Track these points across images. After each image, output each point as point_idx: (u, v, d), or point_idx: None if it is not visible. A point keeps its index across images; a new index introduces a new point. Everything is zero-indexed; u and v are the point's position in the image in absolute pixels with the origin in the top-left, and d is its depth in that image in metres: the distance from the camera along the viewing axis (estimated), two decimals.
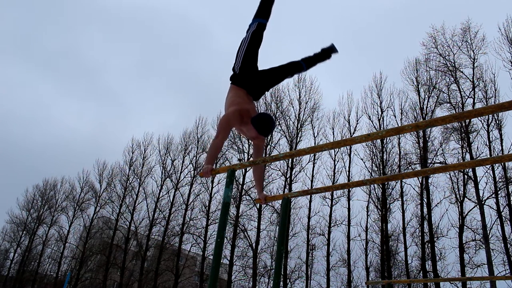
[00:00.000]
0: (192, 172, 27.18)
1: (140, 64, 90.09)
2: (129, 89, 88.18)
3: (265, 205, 21.66)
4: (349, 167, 22.39)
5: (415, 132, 20.49)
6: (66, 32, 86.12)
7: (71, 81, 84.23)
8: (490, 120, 19.16)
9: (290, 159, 22.97)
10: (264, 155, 4.27)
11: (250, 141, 24.25)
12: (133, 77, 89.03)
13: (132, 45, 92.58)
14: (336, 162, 22.79)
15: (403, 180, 20.63)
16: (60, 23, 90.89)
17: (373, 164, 21.86)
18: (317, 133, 23.83)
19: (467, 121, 19.09)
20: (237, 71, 3.82)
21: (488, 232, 17.81)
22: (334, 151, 22.88)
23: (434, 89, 21.58)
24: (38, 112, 79.82)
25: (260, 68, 3.88)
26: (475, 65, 20.23)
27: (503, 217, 17.77)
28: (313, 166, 23.11)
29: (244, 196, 23.93)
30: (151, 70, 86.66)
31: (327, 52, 3.99)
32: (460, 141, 19.91)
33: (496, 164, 18.30)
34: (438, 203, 19.85)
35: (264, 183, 22.91)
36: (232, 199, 9.75)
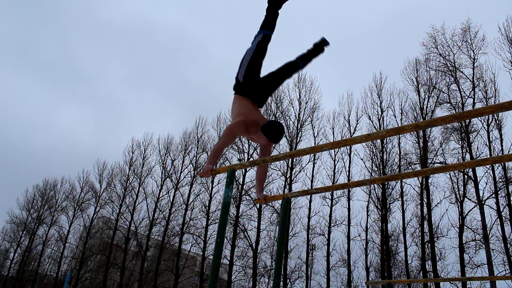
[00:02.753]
0: (192, 172, 27.19)
1: (136, 73, 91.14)
2: (127, 96, 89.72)
3: (265, 205, 21.66)
4: (349, 167, 22.41)
5: (415, 132, 20.49)
6: (63, 41, 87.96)
7: (70, 88, 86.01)
8: (490, 120, 19.15)
9: (290, 159, 22.97)
10: None
11: (250, 142, 24.28)
12: (130, 85, 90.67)
13: (128, 55, 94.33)
14: (336, 162, 22.80)
15: (403, 180, 20.63)
16: (56, 33, 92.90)
17: (373, 164, 21.87)
18: (317, 133, 23.86)
19: (467, 121, 19.09)
20: (241, 80, 3.86)
21: (488, 232, 17.80)
22: (334, 151, 22.88)
23: (434, 89, 21.59)
24: (40, 117, 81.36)
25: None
26: (475, 65, 20.24)
27: (503, 217, 17.76)
28: (313, 166, 23.13)
29: (244, 196, 23.93)
30: (146, 79, 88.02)
31: (319, 46, 4.06)
32: (460, 141, 19.91)
33: (496, 164, 18.30)
34: (438, 203, 19.87)
35: (264, 183, 22.91)
36: (232, 199, 9.74)
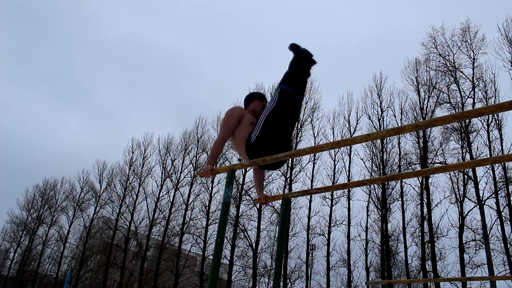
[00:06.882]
0: (192, 172, 27.18)
1: (132, 86, 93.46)
2: (124, 107, 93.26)
3: (265, 205, 21.62)
4: (349, 167, 22.40)
5: (415, 132, 20.48)
6: (63, 56, 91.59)
7: (70, 98, 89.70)
8: (490, 120, 19.16)
9: (290, 159, 22.97)
10: None
11: None
12: (127, 97, 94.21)
13: (124, 69, 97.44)
14: (336, 162, 22.79)
15: (403, 180, 20.63)
16: (56, 48, 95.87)
17: (373, 164, 21.86)
18: (317, 133, 23.86)
19: (467, 121, 19.08)
20: (252, 140, 3.21)
21: (488, 232, 17.80)
22: (334, 151, 22.88)
23: (434, 89, 21.59)
24: (42, 126, 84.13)
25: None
26: (475, 65, 20.25)
27: (503, 217, 17.76)
28: (313, 166, 23.12)
29: (244, 196, 23.92)
30: (142, 92, 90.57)
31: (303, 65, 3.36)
32: (460, 141, 19.91)
33: (496, 164, 18.29)
34: (438, 203, 19.88)
35: (264, 183, 22.91)
36: (232, 199, 9.73)
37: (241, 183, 23.72)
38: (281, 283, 16.38)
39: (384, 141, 21.77)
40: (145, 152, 29.67)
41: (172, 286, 25.90)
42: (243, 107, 3.66)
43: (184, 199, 26.95)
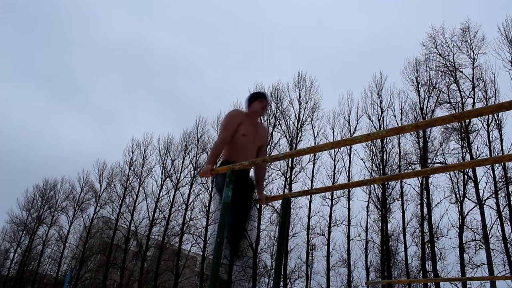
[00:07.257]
0: (192, 172, 27.18)
1: (131, 86, 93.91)
2: (123, 108, 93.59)
3: (265, 205, 21.63)
4: (349, 167, 22.40)
5: (415, 132, 20.48)
6: (63, 57, 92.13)
7: (70, 99, 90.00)
8: (490, 120, 19.15)
9: (290, 159, 22.96)
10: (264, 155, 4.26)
11: None
12: (126, 97, 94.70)
13: (124, 70, 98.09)
14: (336, 162, 22.78)
15: (403, 180, 20.62)
16: (56, 49, 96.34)
17: (373, 164, 21.86)
18: (317, 133, 23.86)
19: (467, 121, 19.08)
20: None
21: (488, 232, 17.80)
22: (334, 151, 22.88)
23: (434, 89, 21.59)
24: (43, 126, 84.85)
25: None
26: (475, 65, 20.25)
27: (503, 217, 17.76)
28: (313, 166, 23.09)
29: None
30: (141, 93, 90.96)
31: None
32: (460, 141, 19.91)
33: (496, 164, 18.29)
34: (438, 203, 19.88)
35: (264, 183, 22.89)
36: None
37: None
38: (281, 283, 16.37)
39: (384, 141, 21.77)
40: (145, 152, 29.71)
41: (172, 286, 25.90)
42: (245, 107, 3.79)
43: (184, 199, 26.98)
